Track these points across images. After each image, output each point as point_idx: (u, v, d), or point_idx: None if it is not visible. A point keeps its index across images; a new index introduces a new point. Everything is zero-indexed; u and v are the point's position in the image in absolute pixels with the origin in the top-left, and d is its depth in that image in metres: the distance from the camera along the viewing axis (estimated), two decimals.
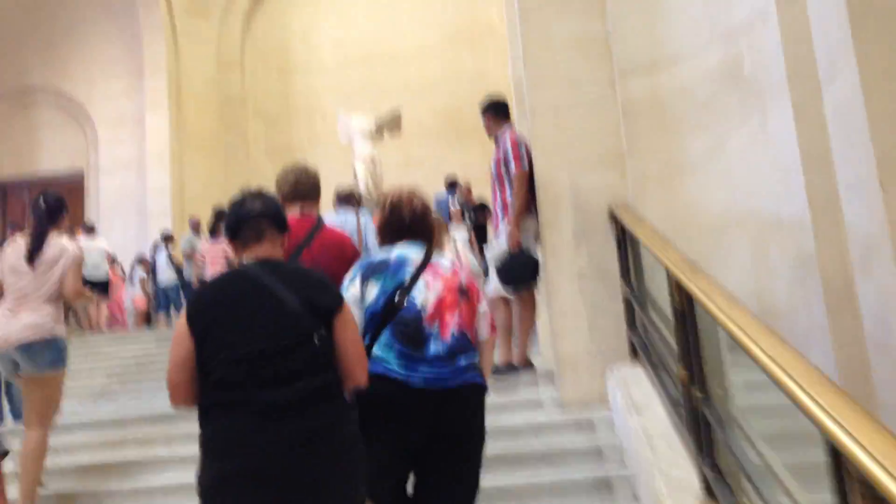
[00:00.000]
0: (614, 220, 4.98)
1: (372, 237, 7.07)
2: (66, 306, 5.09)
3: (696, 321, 3.27)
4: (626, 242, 4.91)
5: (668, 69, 5.03)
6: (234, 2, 17.18)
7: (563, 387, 5.05)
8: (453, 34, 17.03)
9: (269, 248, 2.74)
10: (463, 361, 3.00)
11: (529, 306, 5.66)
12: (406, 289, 3.04)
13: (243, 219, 2.76)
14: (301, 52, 17.45)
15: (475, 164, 16.16)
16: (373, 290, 3.06)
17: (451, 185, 12.81)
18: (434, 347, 2.97)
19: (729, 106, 4.79)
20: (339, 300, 2.68)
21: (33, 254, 4.67)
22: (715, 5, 4.92)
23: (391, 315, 3.01)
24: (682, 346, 3.40)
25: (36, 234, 4.74)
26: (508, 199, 5.61)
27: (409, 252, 3.19)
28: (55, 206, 4.83)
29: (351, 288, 3.11)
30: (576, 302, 5.07)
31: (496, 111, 5.91)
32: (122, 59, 16.30)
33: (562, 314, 5.10)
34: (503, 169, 5.66)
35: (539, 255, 5.53)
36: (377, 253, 3.27)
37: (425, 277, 3.10)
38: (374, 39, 17.10)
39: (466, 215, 10.73)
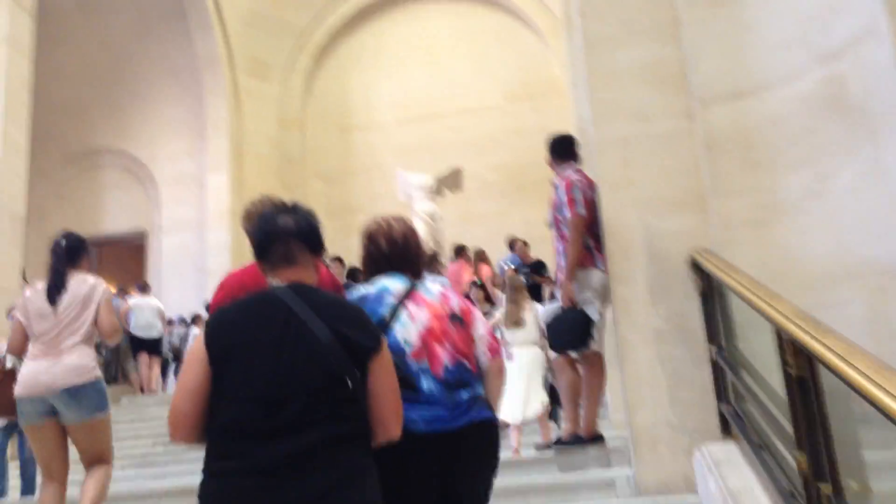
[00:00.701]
0: (697, 269, 4.19)
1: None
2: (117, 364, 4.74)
3: (821, 391, 2.46)
4: (712, 296, 4.11)
5: (756, 96, 4.28)
6: (296, 62, 16.98)
7: (640, 467, 4.22)
8: (514, 90, 16.52)
9: (302, 272, 2.39)
10: (464, 395, 2.64)
11: (597, 370, 4.87)
12: (385, 325, 2.66)
13: (273, 237, 2.41)
14: (361, 110, 17.10)
15: (537, 220, 15.41)
16: None
17: (511, 245, 12.11)
18: (426, 385, 2.61)
19: (832, 137, 4.01)
20: (377, 340, 2.29)
21: (52, 293, 4.41)
22: (811, 22, 4.17)
23: None
24: (800, 425, 2.59)
25: (55, 274, 4.48)
26: (564, 248, 4.89)
27: (392, 283, 2.81)
28: (75, 245, 4.60)
29: None
30: (653, 368, 4.26)
31: (557, 149, 5.22)
32: (185, 119, 16.17)
33: (637, 382, 4.29)
34: (558, 213, 4.94)
35: (597, 313, 4.76)
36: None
37: (408, 308, 2.73)
38: (433, 97, 16.68)
39: (521, 274, 9.95)
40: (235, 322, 2.25)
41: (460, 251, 12.15)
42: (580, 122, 7.11)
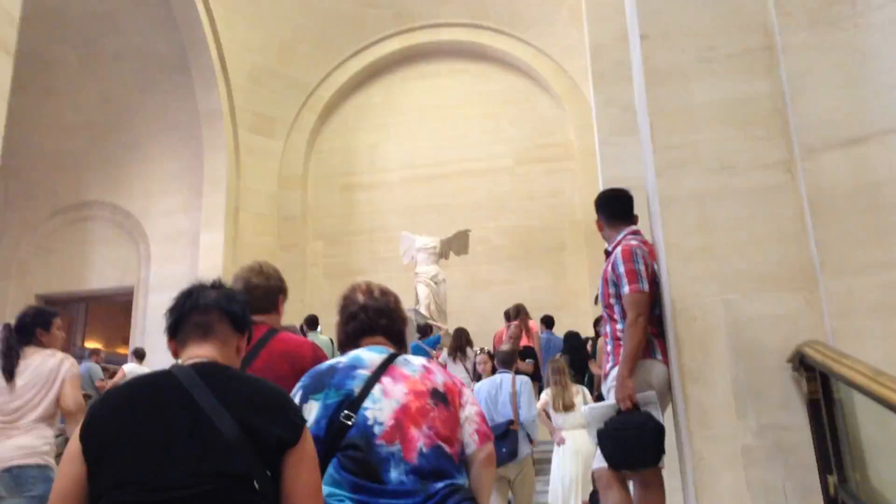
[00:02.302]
0: (805, 368, 3.05)
1: (525, 399, 6.23)
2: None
3: None
4: (829, 404, 2.96)
5: (881, 141, 3.20)
6: (300, 119, 16.05)
7: None
8: (526, 153, 15.54)
9: (215, 350, 2.05)
10: (440, 485, 2.23)
11: (656, 494, 3.68)
12: (355, 401, 2.30)
13: (189, 309, 2.09)
14: (366, 169, 16.10)
15: (546, 287, 14.48)
16: (313, 411, 2.31)
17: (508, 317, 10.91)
18: (395, 473, 2.21)
19: None
20: (297, 430, 1.91)
21: (6, 371, 4.23)
22: None
23: (336, 440, 2.26)
24: None
25: (3, 351, 4.29)
26: (619, 332, 3.76)
27: (367, 354, 2.47)
28: (28, 321, 4.41)
29: None
30: (742, 500, 3.09)
31: (610, 207, 4.12)
32: (181, 175, 15.15)
33: None
34: (611, 289, 3.83)
35: (662, 417, 3.62)
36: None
37: (382, 383, 2.36)
38: (442, 157, 15.69)
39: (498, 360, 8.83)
40: (118, 411, 1.90)
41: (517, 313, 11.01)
42: (639, 175, 5.99)
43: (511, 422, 6.26)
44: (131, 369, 11.47)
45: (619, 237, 3.92)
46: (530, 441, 6.37)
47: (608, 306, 3.84)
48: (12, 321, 4.47)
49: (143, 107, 15.17)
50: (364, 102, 16.33)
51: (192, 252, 14.73)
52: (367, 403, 2.29)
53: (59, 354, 4.38)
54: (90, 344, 16.96)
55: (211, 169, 14.87)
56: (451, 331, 12.60)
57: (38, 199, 15.31)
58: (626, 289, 3.69)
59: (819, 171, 3.27)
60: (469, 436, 2.41)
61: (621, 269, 3.72)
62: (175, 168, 15.21)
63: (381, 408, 2.29)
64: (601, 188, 7.91)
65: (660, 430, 3.49)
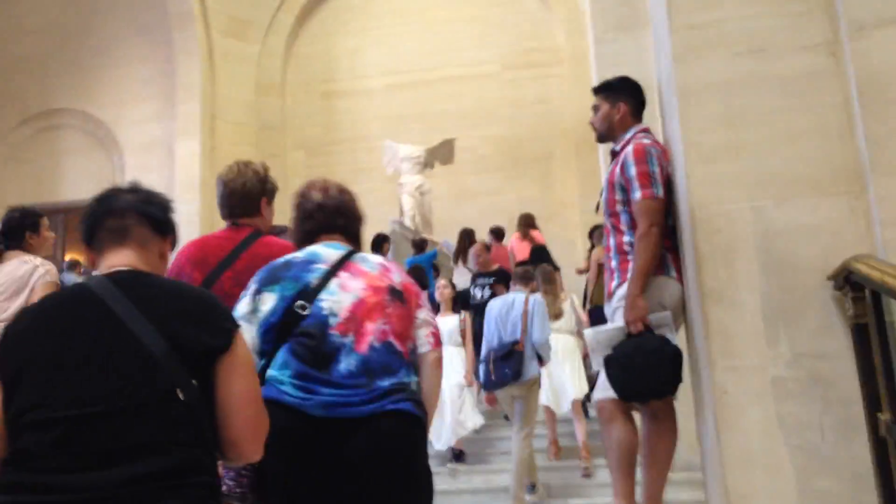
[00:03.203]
0: (851, 286, 2.54)
1: (538, 320, 6.03)
2: None
3: None
4: (881, 329, 2.46)
5: None
6: (277, 21, 15.08)
7: None
8: (513, 58, 14.70)
9: (134, 256, 1.88)
10: (385, 382, 2.21)
11: (668, 428, 3.21)
12: (311, 292, 2.29)
13: (102, 214, 1.90)
14: (346, 76, 15.23)
15: (533, 198, 13.88)
16: (269, 301, 2.31)
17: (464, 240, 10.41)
18: (345, 364, 2.21)
19: None
20: (227, 335, 1.77)
21: None
22: None
23: (290, 326, 2.25)
24: None
25: None
26: (626, 245, 3.23)
27: (324, 250, 2.45)
28: (15, 224, 4.23)
29: (240, 305, 2.34)
30: (772, 439, 2.62)
31: (639, 96, 3.51)
32: (154, 81, 14.26)
33: (744, 459, 2.64)
34: (618, 195, 3.28)
35: (676, 340, 3.14)
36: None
37: (340, 278, 2.35)
38: (425, 63, 14.81)
39: (476, 287, 8.45)
40: (33, 330, 1.74)
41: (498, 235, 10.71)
42: (653, 62, 5.38)
43: (516, 342, 5.98)
44: (70, 281, 10.89)
45: (629, 135, 3.36)
46: (540, 362, 6.10)
47: (613, 214, 3.30)
48: None
49: (111, 7, 14.20)
50: (343, 4, 15.32)
51: (167, 162, 13.99)
52: (323, 295, 2.30)
53: (36, 261, 4.13)
54: (71, 256, 16.41)
55: (184, 75, 13.97)
56: (441, 242, 12.15)
57: (5, 107, 14.43)
58: (637, 194, 3.15)
59: (870, 53, 2.70)
60: (424, 336, 2.41)
61: (633, 171, 3.17)
62: (147, 73, 14.31)
63: (337, 300, 2.29)
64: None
65: (678, 356, 3.00)
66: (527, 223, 10.75)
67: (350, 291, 2.32)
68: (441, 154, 13.29)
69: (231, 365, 1.76)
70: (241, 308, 2.34)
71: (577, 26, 14.17)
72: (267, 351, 2.28)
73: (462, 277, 9.68)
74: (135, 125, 14.31)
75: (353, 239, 2.59)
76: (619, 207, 3.25)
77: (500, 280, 7.97)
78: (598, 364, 3.19)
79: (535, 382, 6.13)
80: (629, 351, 3.00)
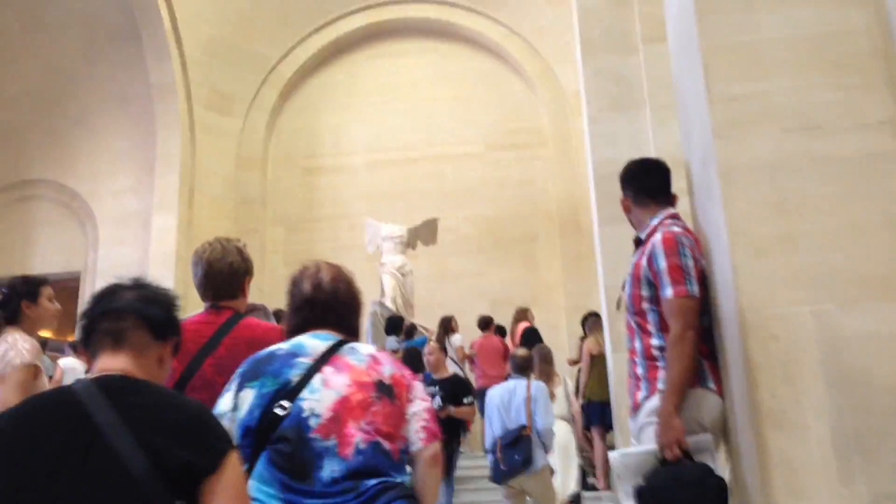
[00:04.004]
0: None
1: (541, 406, 5.78)
2: None
3: None
4: None
5: None
6: (260, 96, 14.76)
7: None
8: (497, 138, 14.45)
9: (129, 362, 1.75)
10: (373, 482, 2.01)
11: None
12: (292, 389, 2.09)
13: (99, 314, 1.79)
14: (329, 152, 14.85)
15: (517, 280, 13.48)
16: (248, 398, 2.12)
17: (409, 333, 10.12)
18: (328, 470, 2.01)
19: None
20: (215, 455, 1.60)
21: None
22: None
23: (268, 431, 2.04)
24: None
25: None
26: (655, 350, 2.72)
27: (310, 341, 2.25)
28: (10, 294, 3.69)
29: (221, 401, 2.17)
30: None
31: (640, 182, 3.06)
32: (132, 153, 13.84)
33: None
34: (645, 291, 2.78)
35: (722, 468, 2.61)
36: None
37: (324, 373, 2.15)
38: (409, 141, 14.51)
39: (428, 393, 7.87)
40: (4, 433, 1.59)
41: (486, 324, 10.30)
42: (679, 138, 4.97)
43: (523, 427, 5.68)
44: (69, 364, 10.15)
45: (656, 222, 2.88)
46: (545, 450, 5.79)
47: (639, 313, 2.80)
48: None
49: (91, 78, 13.85)
50: (327, 81, 15.09)
51: (143, 235, 13.49)
52: (304, 394, 2.11)
53: (8, 339, 3.51)
54: (42, 333, 15.63)
55: (164, 147, 13.57)
56: (420, 325, 11.60)
57: None
58: (669, 291, 2.65)
59: None
60: (415, 433, 2.21)
61: (662, 263, 2.68)
62: (125, 146, 13.90)
63: (318, 398, 2.11)
64: (591, 173, 6.90)
65: (723, 491, 2.46)
66: (520, 318, 10.41)
67: (333, 388, 2.13)
68: (423, 234, 12.88)
69: (219, 489, 1.58)
70: (222, 405, 2.16)
71: (562, 108, 14.00)
72: (246, 456, 2.06)
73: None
74: (111, 197, 13.85)
75: (348, 330, 2.38)
76: (645, 305, 2.76)
77: (449, 393, 6.83)
78: (626, 495, 2.64)
79: (547, 470, 5.75)
80: (666, 482, 2.45)
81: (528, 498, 5.93)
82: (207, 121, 14.19)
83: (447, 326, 10.09)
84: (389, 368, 2.27)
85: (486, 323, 10.15)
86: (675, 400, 2.53)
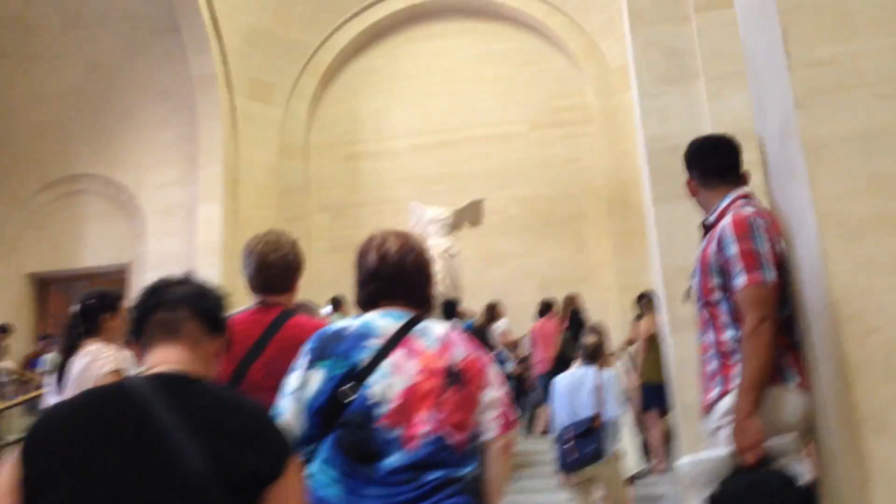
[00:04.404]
0: None
1: (612, 395, 5.67)
2: None
3: None
4: None
5: None
6: (301, 84, 14.62)
7: None
8: (541, 117, 14.11)
9: (185, 354, 1.69)
10: (434, 475, 1.92)
11: None
12: (360, 373, 1.99)
13: (153, 306, 1.75)
14: (371, 137, 14.68)
15: (565, 260, 13.20)
16: (316, 379, 2.03)
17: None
18: (391, 460, 1.93)
19: None
20: (279, 461, 1.53)
21: (60, 372, 3.66)
22: None
23: (334, 414, 1.97)
24: None
25: (63, 347, 3.77)
26: (730, 344, 2.47)
27: (380, 321, 2.13)
28: (89, 306, 3.77)
29: (291, 378, 2.09)
30: None
31: (707, 162, 2.76)
32: (175, 144, 13.82)
33: None
34: (715, 280, 2.52)
35: (807, 473, 2.35)
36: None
37: (394, 357, 2.04)
38: (452, 123, 14.25)
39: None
40: (64, 431, 1.49)
41: (547, 308, 10.24)
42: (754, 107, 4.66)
43: (594, 418, 5.62)
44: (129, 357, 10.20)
45: (724, 203, 2.61)
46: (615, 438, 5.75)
47: (709, 304, 2.55)
48: (76, 307, 3.83)
49: (133, 73, 13.84)
50: (367, 66, 14.88)
51: (189, 226, 13.49)
52: (373, 379, 2.02)
53: (93, 350, 3.63)
54: None
55: (207, 138, 13.52)
56: (467, 307, 11.43)
57: (26, 172, 13.98)
58: (741, 279, 2.40)
59: None
60: (488, 421, 2.10)
61: (733, 249, 2.42)
62: (169, 137, 13.88)
63: (388, 385, 2.01)
64: (642, 150, 6.59)
65: (808, 498, 2.21)
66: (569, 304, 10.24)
67: (403, 374, 2.03)
68: (469, 215, 12.63)
69: (282, 496, 1.52)
70: (292, 383, 2.09)
71: (607, 83, 13.62)
72: (314, 436, 2.02)
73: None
74: (156, 189, 13.86)
75: (420, 303, 2.25)
76: (716, 296, 2.50)
77: None
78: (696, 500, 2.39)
79: (617, 458, 5.62)
80: (742, 490, 2.21)
81: (593, 486, 5.82)
82: (249, 110, 14.10)
83: (492, 313, 9.94)
84: (462, 351, 2.14)
85: (545, 308, 10.02)
86: (751, 398, 2.28)
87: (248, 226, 13.79)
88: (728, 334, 2.46)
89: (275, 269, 2.79)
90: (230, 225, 13.34)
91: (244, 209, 13.71)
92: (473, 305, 11.26)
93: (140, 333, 1.76)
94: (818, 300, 2.20)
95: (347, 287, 9.16)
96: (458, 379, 2.07)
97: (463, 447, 2.03)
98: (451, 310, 9.87)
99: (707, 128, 6.13)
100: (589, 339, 6.39)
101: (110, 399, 1.58)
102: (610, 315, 12.08)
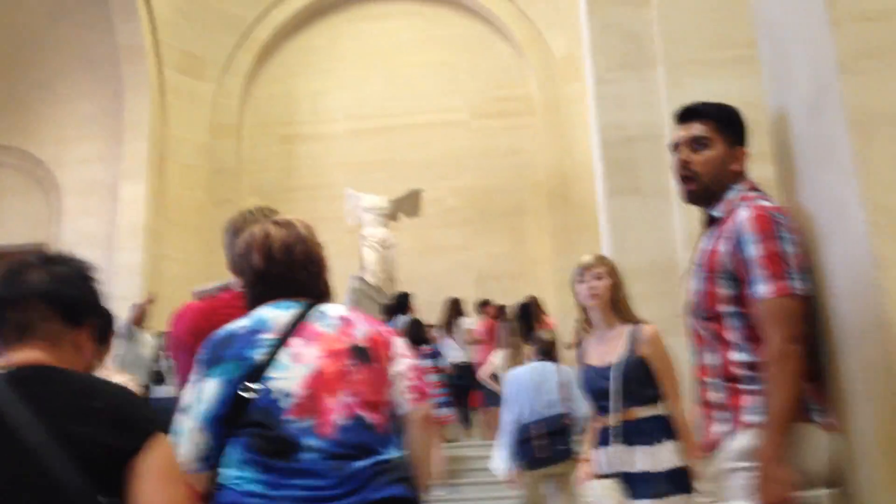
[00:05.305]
0: None
1: (576, 393, 5.32)
2: None
3: None
4: None
5: None
6: (235, 60, 13.79)
7: None
8: (483, 106, 13.61)
9: (40, 354, 1.58)
10: (360, 464, 1.78)
11: None
12: (257, 371, 1.85)
13: (7, 298, 1.62)
14: (308, 119, 13.93)
15: (504, 254, 12.75)
16: (211, 388, 1.87)
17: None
18: (308, 453, 1.79)
19: None
20: (138, 435, 1.47)
21: None
22: None
23: (237, 417, 1.83)
24: None
25: None
26: (740, 368, 1.95)
27: (272, 314, 1.99)
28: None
29: (185, 395, 1.94)
30: None
31: (734, 131, 2.16)
32: (98, 118, 12.87)
33: None
34: (723, 287, 2.01)
35: None
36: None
37: (291, 346, 1.91)
38: (392, 108, 13.62)
39: None
40: None
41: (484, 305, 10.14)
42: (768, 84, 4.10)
43: (563, 415, 5.39)
44: None
45: (734, 194, 2.09)
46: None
47: (713, 318, 2.02)
48: None
49: (55, 40, 12.82)
50: (306, 45, 14.12)
51: (110, 206, 12.57)
52: (272, 373, 1.86)
53: None
54: None
55: (132, 112, 12.63)
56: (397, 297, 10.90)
57: None
58: (764, 288, 1.88)
59: None
60: (400, 394, 1.98)
61: (755, 250, 1.91)
62: (91, 110, 12.92)
63: (289, 376, 1.86)
64: (596, 139, 6.12)
65: None
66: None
67: (304, 362, 1.90)
68: (406, 205, 12.09)
69: (143, 470, 1.43)
70: (186, 399, 1.93)
71: (552, 74, 13.21)
72: (216, 447, 1.84)
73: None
74: (76, 165, 12.90)
75: (316, 295, 2.08)
76: (725, 307, 1.99)
77: None
78: None
79: (579, 458, 5.33)
80: None
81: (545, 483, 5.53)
82: (179, 85, 13.23)
83: (456, 309, 9.60)
84: (364, 328, 2.02)
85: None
86: (779, 440, 1.78)
87: (175, 207, 13.00)
88: (739, 356, 1.95)
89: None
90: (154, 205, 12.52)
91: (171, 189, 12.88)
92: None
93: None
94: (862, 319, 1.70)
95: None
96: (365, 356, 1.96)
97: (383, 427, 1.91)
98: (404, 303, 9.33)
99: (665, 117, 5.71)
100: (545, 335, 6.12)
101: None
102: (547, 311, 11.69)
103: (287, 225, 2.13)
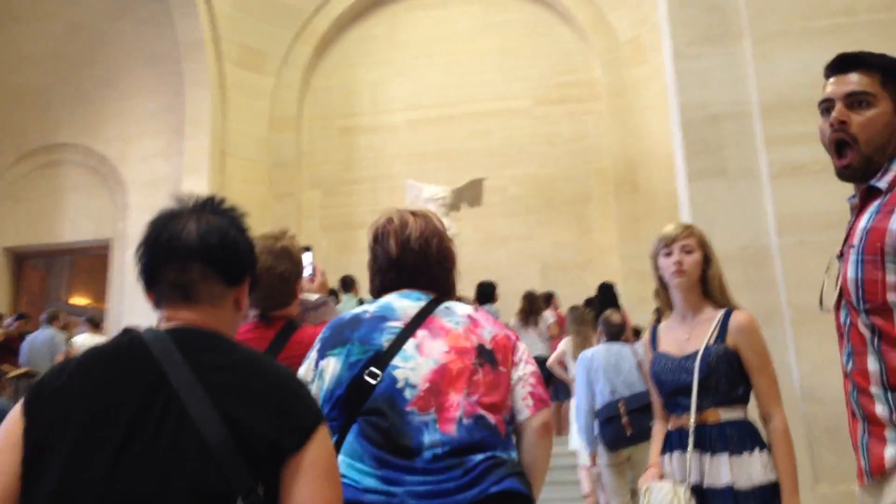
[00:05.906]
0: None
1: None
2: None
3: None
4: None
5: None
6: (294, 53, 13.64)
7: None
8: (546, 93, 13.17)
9: (203, 315, 1.47)
10: (479, 457, 1.77)
11: None
12: (383, 357, 1.85)
13: (161, 261, 1.49)
14: (367, 110, 13.70)
15: (569, 243, 12.36)
16: (333, 368, 1.88)
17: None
18: (429, 447, 1.77)
19: None
20: (301, 432, 1.34)
21: None
22: None
23: (358, 402, 1.81)
24: None
25: None
26: None
27: (400, 302, 2.00)
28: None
29: (299, 371, 1.93)
30: None
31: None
32: (161, 115, 12.84)
33: None
34: (892, 275, 1.63)
35: None
36: None
37: (417, 338, 1.91)
38: (452, 97, 13.28)
39: None
40: (70, 388, 1.34)
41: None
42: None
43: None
44: (83, 341, 9.25)
45: None
46: None
47: (878, 310, 1.65)
48: None
49: (116, 36, 12.84)
50: (365, 35, 13.88)
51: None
52: (397, 361, 1.87)
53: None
54: (78, 300, 14.90)
55: (193, 108, 12.55)
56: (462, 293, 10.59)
57: (2, 141, 13.02)
58: None
59: None
60: (521, 399, 1.95)
61: None
62: (153, 107, 12.89)
63: (414, 367, 1.86)
64: (676, 118, 5.69)
65: None
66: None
67: (429, 356, 1.87)
68: (468, 195, 11.77)
69: (303, 470, 1.31)
70: (300, 376, 1.89)
71: (616, 58, 12.72)
72: (335, 429, 1.81)
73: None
74: (140, 161, 12.89)
75: (441, 290, 2.09)
76: (894, 297, 1.62)
77: None
78: None
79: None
80: None
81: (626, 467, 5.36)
82: (238, 79, 13.13)
83: (534, 302, 9.34)
84: (491, 330, 2.01)
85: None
86: None
87: (236, 201, 12.73)
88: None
89: (271, 287, 2.49)
90: None
91: (232, 184, 12.78)
92: (471, 289, 10.43)
93: (151, 286, 1.51)
94: None
95: (339, 267, 8.31)
96: (490, 358, 1.94)
97: (502, 429, 1.89)
98: (490, 293, 9.17)
99: (753, 95, 5.28)
100: (614, 317, 5.89)
101: (121, 353, 1.41)
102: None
103: (424, 217, 2.12)
